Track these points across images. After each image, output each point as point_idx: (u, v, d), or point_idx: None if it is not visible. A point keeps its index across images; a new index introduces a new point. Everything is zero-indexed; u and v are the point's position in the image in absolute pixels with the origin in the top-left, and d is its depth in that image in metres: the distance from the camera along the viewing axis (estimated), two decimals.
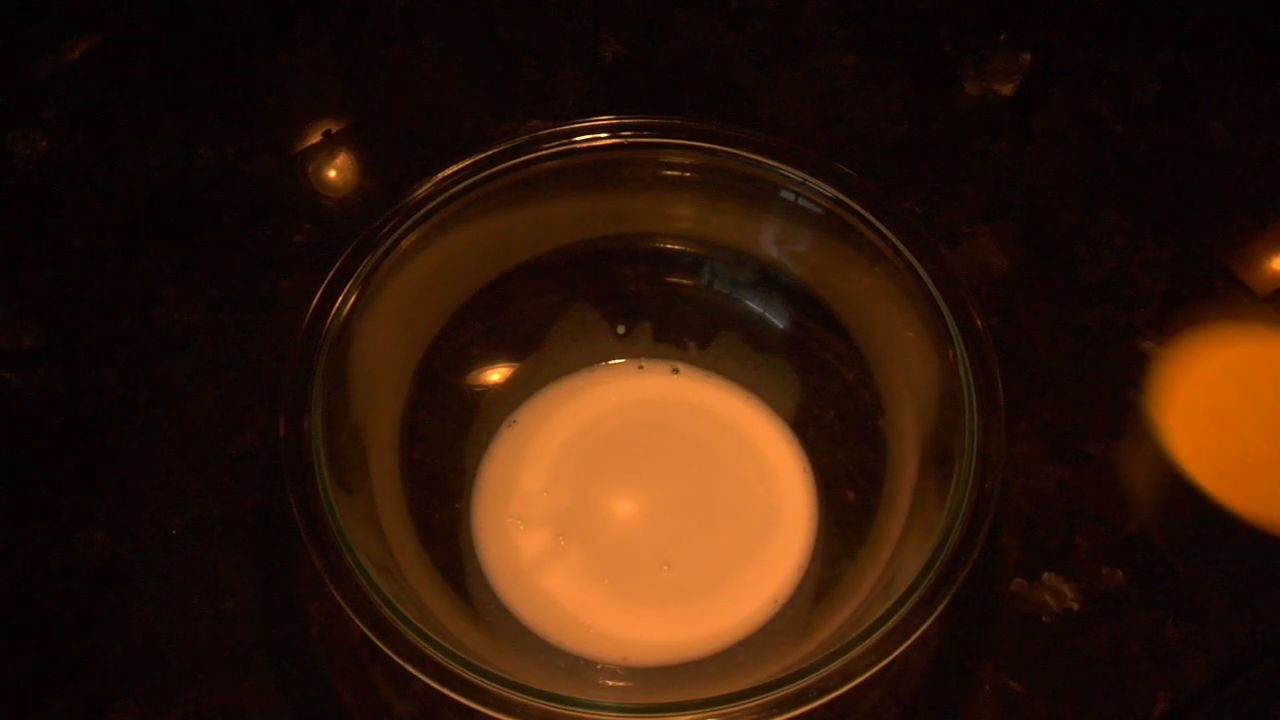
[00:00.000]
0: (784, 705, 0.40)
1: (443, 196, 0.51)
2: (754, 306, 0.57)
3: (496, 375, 0.57)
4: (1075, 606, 0.52)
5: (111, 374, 0.59)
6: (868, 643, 0.42)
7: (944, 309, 0.48)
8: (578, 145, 0.52)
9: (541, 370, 0.58)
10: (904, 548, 0.47)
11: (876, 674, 0.41)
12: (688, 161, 0.53)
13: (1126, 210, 0.64)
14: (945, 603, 0.42)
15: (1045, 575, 0.53)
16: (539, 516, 0.54)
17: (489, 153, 0.52)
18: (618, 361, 0.58)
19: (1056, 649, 0.51)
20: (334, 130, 0.67)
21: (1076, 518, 0.54)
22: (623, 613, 0.51)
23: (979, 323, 0.48)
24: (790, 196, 0.52)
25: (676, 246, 0.57)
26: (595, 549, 0.53)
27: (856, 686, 0.41)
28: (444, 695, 0.41)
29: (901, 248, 0.49)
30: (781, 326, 0.57)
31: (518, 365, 0.57)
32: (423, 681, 0.41)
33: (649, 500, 0.54)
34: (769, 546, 0.53)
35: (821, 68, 0.69)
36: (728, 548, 0.53)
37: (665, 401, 0.57)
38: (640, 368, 0.58)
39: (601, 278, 0.57)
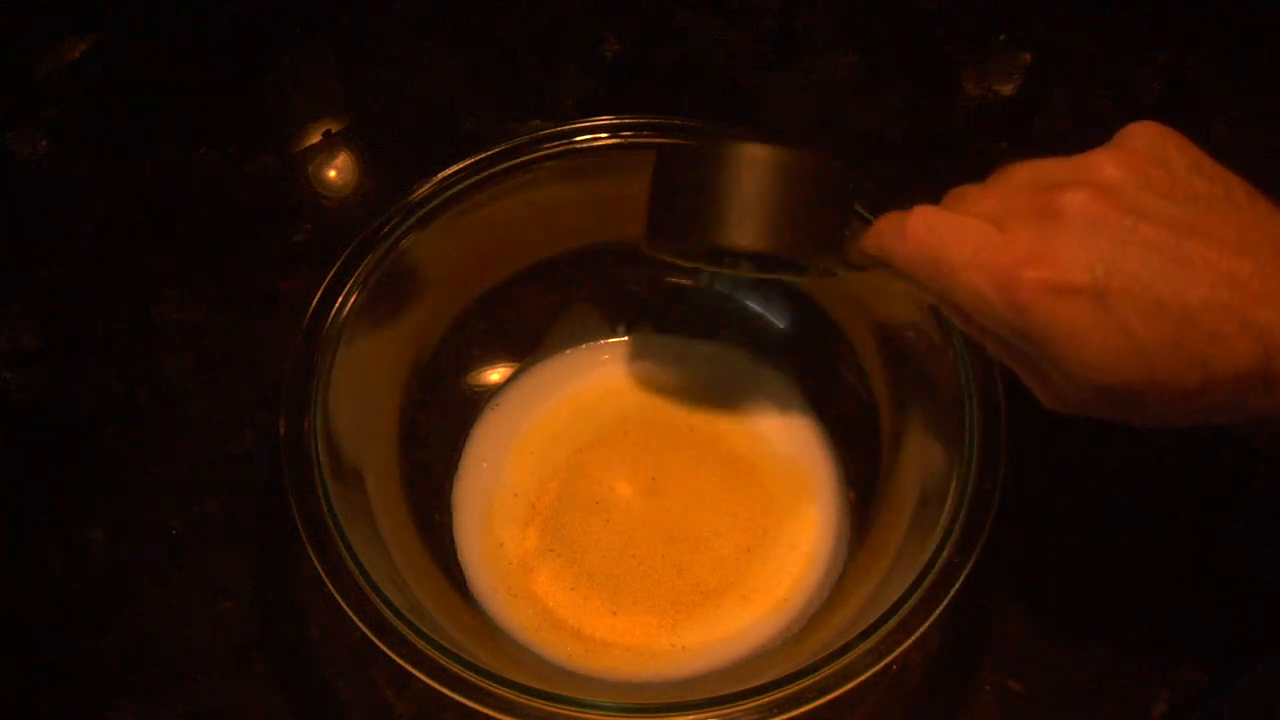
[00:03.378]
0: (784, 705, 0.41)
1: (443, 196, 0.51)
2: (754, 307, 0.57)
3: (496, 375, 0.57)
4: (1075, 608, 0.52)
5: (111, 374, 0.59)
6: (868, 643, 0.42)
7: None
8: (578, 145, 0.52)
9: None
10: (904, 548, 0.47)
11: (876, 674, 0.41)
12: None
13: None
14: (945, 603, 0.42)
15: (1044, 575, 0.53)
16: (522, 513, 0.54)
17: (489, 153, 0.52)
18: (616, 340, 0.58)
19: (1056, 649, 0.51)
20: (334, 130, 0.67)
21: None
22: (617, 620, 0.51)
23: None
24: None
25: None
26: (585, 549, 0.53)
27: (856, 686, 0.41)
28: (444, 695, 0.41)
29: None
30: (781, 327, 0.57)
31: (518, 365, 0.57)
32: (423, 681, 0.41)
33: (643, 495, 0.54)
34: (777, 548, 0.53)
35: (822, 68, 0.69)
36: (731, 550, 0.53)
37: (666, 388, 0.57)
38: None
39: (601, 278, 0.57)
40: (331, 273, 0.49)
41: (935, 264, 0.39)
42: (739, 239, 0.44)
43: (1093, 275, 0.36)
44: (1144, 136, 0.39)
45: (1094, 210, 0.37)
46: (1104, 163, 0.38)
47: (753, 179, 0.44)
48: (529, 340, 0.58)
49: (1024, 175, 0.40)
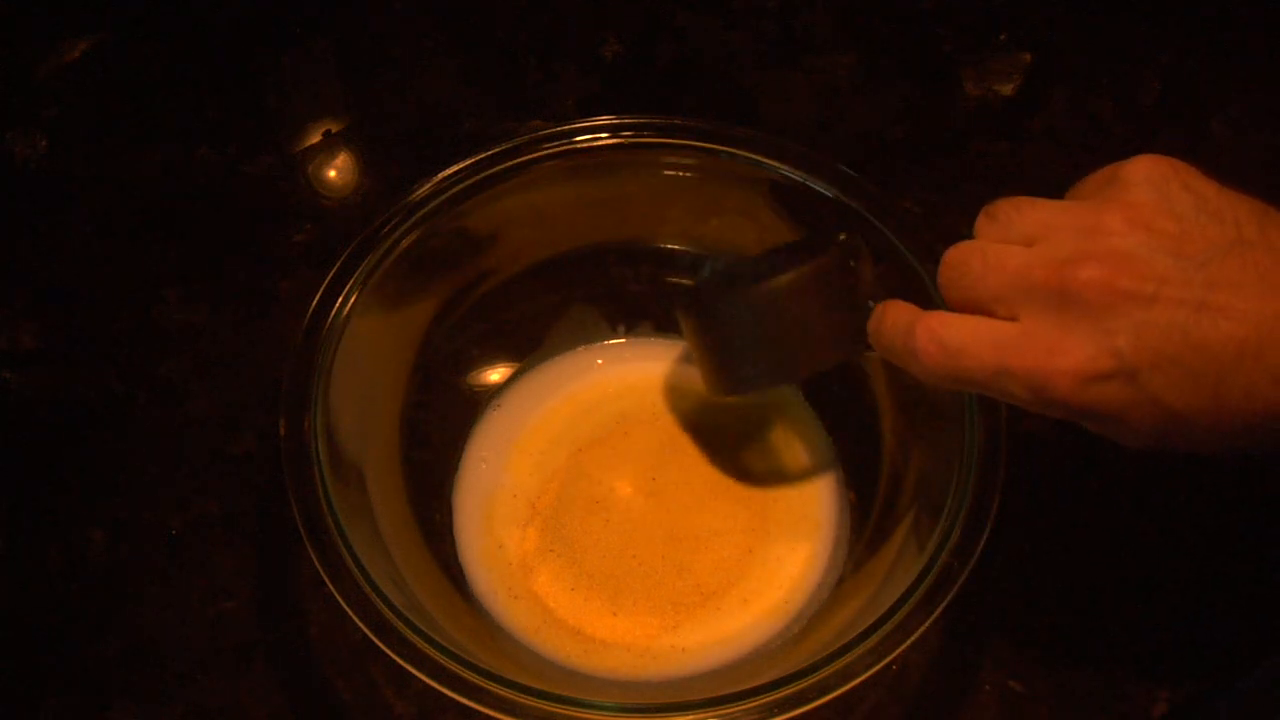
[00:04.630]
0: (784, 705, 0.41)
1: (443, 197, 0.51)
2: None
3: (496, 375, 0.57)
4: (1075, 608, 0.52)
5: (111, 374, 0.59)
6: (868, 643, 0.42)
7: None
8: (578, 145, 0.52)
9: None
10: (904, 549, 0.47)
11: (876, 674, 0.41)
12: (688, 161, 0.53)
13: None
14: (945, 603, 0.42)
15: (1044, 575, 0.53)
16: (522, 513, 0.54)
17: (489, 153, 0.52)
18: (617, 340, 0.58)
19: (1056, 649, 0.51)
20: (334, 130, 0.67)
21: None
22: (617, 620, 0.51)
23: None
24: (790, 197, 0.52)
25: (676, 246, 0.57)
26: (585, 549, 0.53)
27: (856, 686, 0.41)
28: (444, 695, 0.41)
29: (901, 248, 0.49)
30: None
31: (518, 365, 0.57)
32: (422, 681, 0.41)
33: (643, 496, 0.54)
34: (778, 547, 0.53)
35: (821, 68, 0.69)
36: (731, 550, 0.53)
37: (666, 388, 0.57)
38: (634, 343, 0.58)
39: (601, 278, 0.57)
40: (331, 273, 0.49)
41: (958, 379, 0.40)
42: (808, 368, 0.48)
43: (1120, 359, 0.36)
44: (1146, 182, 0.38)
45: (1110, 285, 0.36)
46: (1112, 226, 0.37)
47: (791, 307, 0.45)
48: (529, 340, 0.58)
49: (1021, 226, 0.39)
